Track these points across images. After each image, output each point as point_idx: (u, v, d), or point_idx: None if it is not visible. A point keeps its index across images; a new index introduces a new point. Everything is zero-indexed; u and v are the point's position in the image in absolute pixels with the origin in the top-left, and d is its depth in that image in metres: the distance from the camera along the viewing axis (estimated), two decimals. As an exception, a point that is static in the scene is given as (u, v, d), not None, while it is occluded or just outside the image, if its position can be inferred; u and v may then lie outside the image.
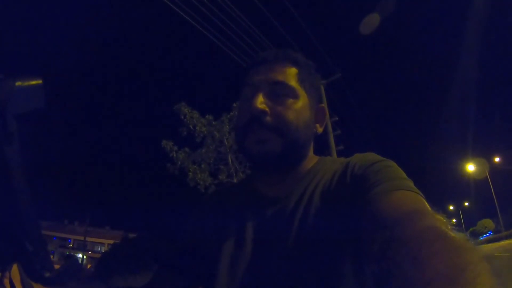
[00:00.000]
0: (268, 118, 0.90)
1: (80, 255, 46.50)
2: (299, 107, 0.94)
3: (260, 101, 0.90)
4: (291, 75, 0.95)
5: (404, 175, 0.84)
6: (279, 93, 0.93)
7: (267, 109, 0.90)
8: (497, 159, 40.42)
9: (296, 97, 0.94)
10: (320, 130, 1.04)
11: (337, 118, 15.36)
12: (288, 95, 0.93)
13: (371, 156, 0.92)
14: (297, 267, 0.82)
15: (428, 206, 0.73)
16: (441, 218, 0.65)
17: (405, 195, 0.75)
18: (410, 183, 0.80)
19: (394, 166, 0.87)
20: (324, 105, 1.06)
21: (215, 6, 9.25)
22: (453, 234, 0.58)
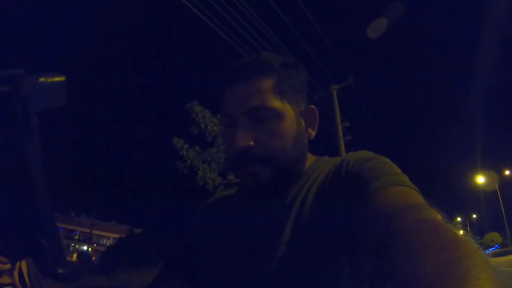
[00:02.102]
0: (255, 151, 0.87)
1: (85, 248, 46.83)
2: (285, 126, 0.90)
3: (242, 138, 0.87)
4: (268, 91, 0.90)
5: (398, 170, 0.83)
6: (260, 118, 0.88)
7: (251, 142, 0.87)
8: (507, 172, 40.07)
9: (279, 116, 0.89)
10: (313, 133, 1.00)
11: (348, 124, 15.32)
12: (270, 118, 0.89)
13: (365, 153, 0.92)
14: (293, 265, 0.82)
15: (423, 200, 0.73)
16: (437, 212, 0.65)
17: (400, 190, 0.75)
18: (405, 178, 0.79)
19: (388, 162, 0.86)
20: (314, 106, 1.02)
21: (231, 6, 9.28)
22: (448, 227, 0.58)
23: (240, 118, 0.89)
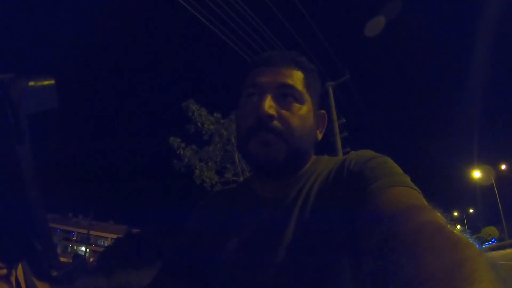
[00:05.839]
0: (275, 123, 0.89)
1: (83, 248, 46.69)
2: (305, 113, 0.93)
3: (269, 105, 0.89)
4: (298, 79, 0.95)
5: (400, 170, 0.84)
6: (286, 96, 0.92)
7: (274, 113, 0.89)
8: (503, 167, 40.16)
9: (302, 102, 0.93)
10: (320, 136, 1.03)
11: (344, 120, 15.32)
12: (295, 99, 0.92)
13: (367, 152, 0.92)
14: (295, 267, 0.82)
15: (425, 201, 0.73)
16: (439, 213, 0.65)
17: (402, 191, 0.75)
18: (407, 179, 0.79)
19: (390, 162, 0.86)
20: (324, 111, 1.06)
21: (226, 4, 9.27)
22: (450, 229, 0.58)
23: (270, 90, 0.92)
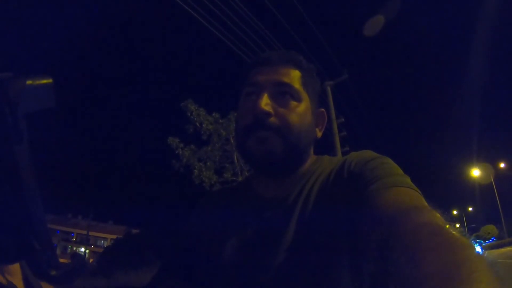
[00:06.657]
0: (272, 120, 0.90)
1: (82, 249, 46.61)
2: (302, 110, 0.94)
3: (265, 102, 0.90)
4: (295, 78, 0.95)
5: (400, 171, 0.84)
6: (283, 94, 0.93)
7: (271, 110, 0.90)
8: (502, 165, 40.12)
9: (300, 100, 0.94)
10: (319, 134, 1.04)
11: (343, 120, 15.31)
12: (292, 97, 0.93)
13: (367, 153, 0.93)
14: (295, 267, 0.82)
15: (425, 202, 0.73)
16: (438, 214, 0.65)
17: (402, 192, 0.75)
18: (407, 180, 0.80)
19: (390, 163, 0.87)
20: (324, 109, 1.07)
21: (224, 4, 9.26)
22: (449, 230, 0.58)
23: (267, 88, 0.93)
